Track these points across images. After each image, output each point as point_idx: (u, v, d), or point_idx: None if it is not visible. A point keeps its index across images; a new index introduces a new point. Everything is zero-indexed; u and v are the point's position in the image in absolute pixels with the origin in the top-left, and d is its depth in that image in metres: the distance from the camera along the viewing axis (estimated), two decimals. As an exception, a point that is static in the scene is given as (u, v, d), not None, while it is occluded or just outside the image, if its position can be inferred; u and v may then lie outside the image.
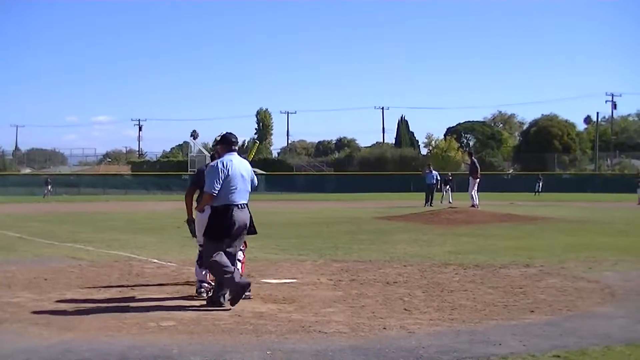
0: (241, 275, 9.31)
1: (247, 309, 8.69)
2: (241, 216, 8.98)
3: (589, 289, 10.20)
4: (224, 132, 9.36)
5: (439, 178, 41.53)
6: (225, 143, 9.22)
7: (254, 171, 9.66)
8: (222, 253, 8.88)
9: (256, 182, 9.34)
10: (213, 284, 9.36)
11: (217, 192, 8.85)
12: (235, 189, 8.93)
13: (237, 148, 9.30)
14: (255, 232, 9.41)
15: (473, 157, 30.68)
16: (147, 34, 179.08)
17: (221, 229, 8.90)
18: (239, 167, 9.04)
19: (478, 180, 28.78)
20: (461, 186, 52.90)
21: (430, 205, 37.12)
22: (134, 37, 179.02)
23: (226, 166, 8.94)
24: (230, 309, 8.68)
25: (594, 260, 13.46)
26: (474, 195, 28.24)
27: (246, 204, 9.11)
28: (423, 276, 11.67)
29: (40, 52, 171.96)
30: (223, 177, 8.86)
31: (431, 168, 42.90)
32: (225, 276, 8.76)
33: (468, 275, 11.75)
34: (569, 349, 6.59)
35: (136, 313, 8.48)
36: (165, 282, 10.85)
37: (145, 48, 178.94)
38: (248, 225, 9.15)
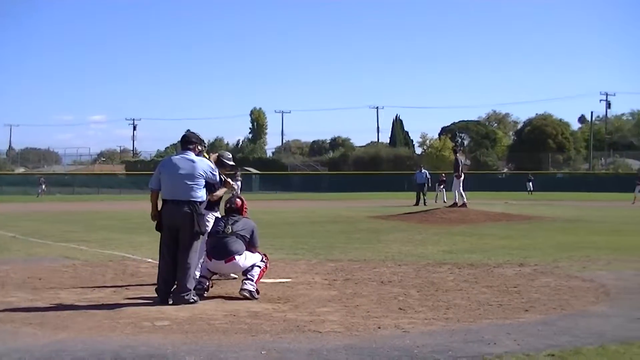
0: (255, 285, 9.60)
1: (242, 309, 8.69)
2: (168, 212, 9.27)
3: (583, 288, 10.21)
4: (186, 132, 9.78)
5: (428, 176, 41.59)
6: (180, 142, 9.63)
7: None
8: (166, 257, 9.28)
9: (213, 179, 9.54)
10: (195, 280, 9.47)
11: (152, 187, 9.47)
12: (168, 186, 9.31)
13: (193, 147, 9.54)
14: (197, 233, 9.25)
15: (457, 155, 30.11)
16: (141, 34, 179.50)
17: (158, 221, 9.41)
18: (177, 166, 9.31)
19: (462, 178, 27.99)
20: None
21: (424, 204, 37.14)
22: (128, 36, 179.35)
23: (161, 164, 9.59)
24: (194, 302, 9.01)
25: (588, 259, 13.48)
26: (462, 194, 27.57)
27: (181, 201, 9.19)
28: (417, 275, 11.67)
29: (34, 51, 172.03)
30: (158, 174, 9.42)
31: (421, 167, 43.08)
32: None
33: (462, 274, 11.76)
34: (564, 348, 6.59)
35: (130, 313, 8.46)
36: (154, 281, 10.79)
37: (140, 48, 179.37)
38: (185, 223, 9.16)
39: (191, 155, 9.42)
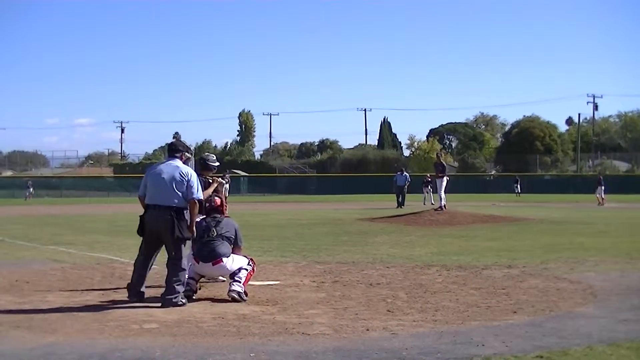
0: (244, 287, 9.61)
1: (230, 311, 8.68)
2: (150, 217, 9.32)
3: (570, 290, 10.24)
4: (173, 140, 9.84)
5: (409, 180, 41.44)
6: (167, 150, 9.83)
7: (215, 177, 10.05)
8: (144, 258, 9.44)
9: (191, 189, 9.32)
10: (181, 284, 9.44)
11: (140, 194, 9.53)
12: (150, 191, 9.37)
13: (179, 155, 9.60)
14: (178, 239, 9.22)
15: (440, 159, 30.08)
16: (129, 37, 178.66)
17: (140, 226, 9.44)
18: (161, 172, 9.37)
19: (445, 180, 27.95)
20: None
21: (402, 206, 37.12)
22: (116, 39, 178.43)
23: (148, 171, 9.64)
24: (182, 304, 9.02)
25: (575, 260, 13.51)
26: (443, 196, 27.59)
27: (165, 207, 9.20)
28: (406, 277, 11.68)
29: (21, 54, 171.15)
30: (145, 181, 9.49)
31: (403, 170, 42.94)
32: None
33: (451, 276, 11.77)
34: (551, 350, 6.61)
35: (118, 315, 8.44)
36: (148, 284, 10.73)
37: (127, 50, 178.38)
38: (166, 228, 9.16)
39: (177, 162, 9.45)
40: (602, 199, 42.63)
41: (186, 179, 9.29)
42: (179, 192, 9.23)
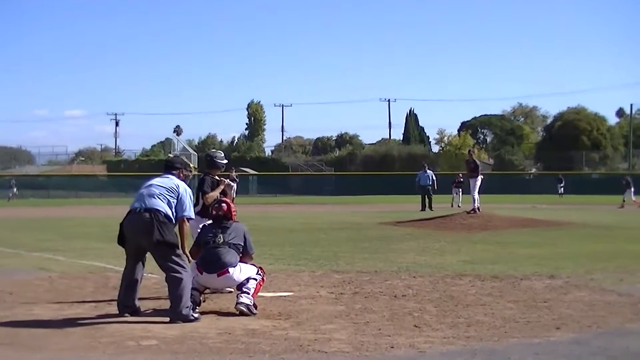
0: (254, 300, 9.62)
1: (238, 326, 8.69)
2: (128, 221, 9.48)
3: (620, 303, 10.22)
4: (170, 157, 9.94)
5: (434, 178, 41.03)
6: (164, 167, 9.96)
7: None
8: (130, 267, 9.59)
9: (182, 205, 9.46)
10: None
11: None
12: (136, 199, 9.54)
13: (177, 172, 9.73)
14: (162, 242, 9.17)
15: (473, 156, 29.74)
16: (126, 21, 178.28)
17: (119, 235, 9.65)
18: (153, 182, 9.60)
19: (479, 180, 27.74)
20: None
21: (430, 209, 36.89)
22: (111, 23, 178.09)
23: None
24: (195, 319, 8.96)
25: (625, 271, 13.47)
26: (476, 198, 27.32)
27: (146, 209, 9.28)
28: (435, 289, 11.68)
29: (5, 39, 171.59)
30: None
31: (426, 168, 42.42)
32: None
33: (485, 287, 11.77)
34: (599, 370, 6.61)
35: (113, 331, 8.47)
36: (146, 295, 10.76)
37: (123, 35, 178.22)
38: (145, 231, 9.19)
39: (172, 177, 9.59)
40: (633, 201, 42.59)
41: (178, 190, 9.41)
42: (166, 200, 9.33)
